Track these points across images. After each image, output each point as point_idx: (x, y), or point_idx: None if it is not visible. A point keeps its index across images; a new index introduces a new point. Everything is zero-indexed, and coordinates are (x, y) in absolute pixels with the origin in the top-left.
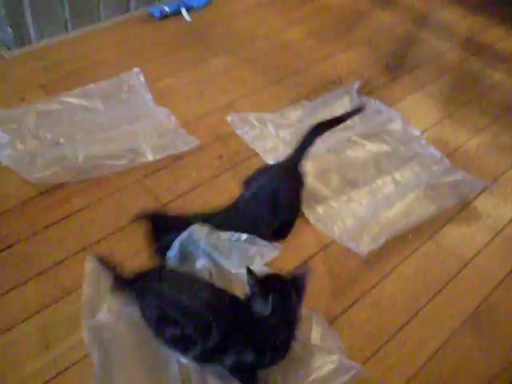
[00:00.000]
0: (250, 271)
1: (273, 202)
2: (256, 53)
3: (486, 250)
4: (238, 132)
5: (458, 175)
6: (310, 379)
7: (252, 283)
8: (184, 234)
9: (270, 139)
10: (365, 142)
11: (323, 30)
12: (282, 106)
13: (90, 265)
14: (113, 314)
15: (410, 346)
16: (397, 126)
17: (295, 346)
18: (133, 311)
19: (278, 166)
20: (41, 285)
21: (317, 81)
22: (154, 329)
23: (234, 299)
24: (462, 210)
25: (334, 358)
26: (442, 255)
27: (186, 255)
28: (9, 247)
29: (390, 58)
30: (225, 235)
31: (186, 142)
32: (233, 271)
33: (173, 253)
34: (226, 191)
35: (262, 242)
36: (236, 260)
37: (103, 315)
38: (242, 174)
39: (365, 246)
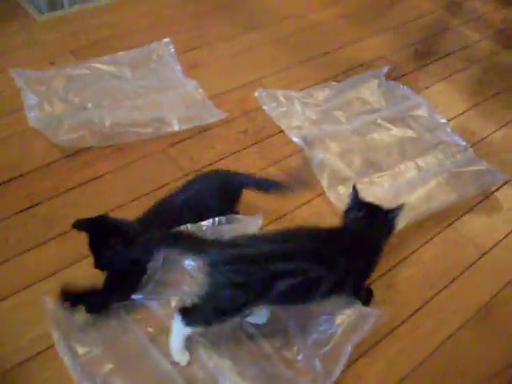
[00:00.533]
0: (354, 187)
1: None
2: (286, 31)
3: (504, 241)
4: (264, 107)
5: (482, 165)
6: (337, 335)
7: (352, 196)
8: None
9: (295, 117)
10: (390, 126)
11: (355, 12)
12: (309, 85)
13: (47, 305)
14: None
15: (423, 331)
16: (423, 112)
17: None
18: (113, 335)
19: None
20: (61, 246)
21: (345, 63)
22: (254, 296)
23: (316, 231)
24: (483, 200)
25: (352, 309)
26: (460, 243)
27: (169, 259)
28: (32, 207)
29: (419, 44)
30: (204, 224)
31: (213, 115)
32: None
33: (156, 259)
34: (249, 165)
35: (241, 217)
36: None
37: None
38: (266, 150)
39: None
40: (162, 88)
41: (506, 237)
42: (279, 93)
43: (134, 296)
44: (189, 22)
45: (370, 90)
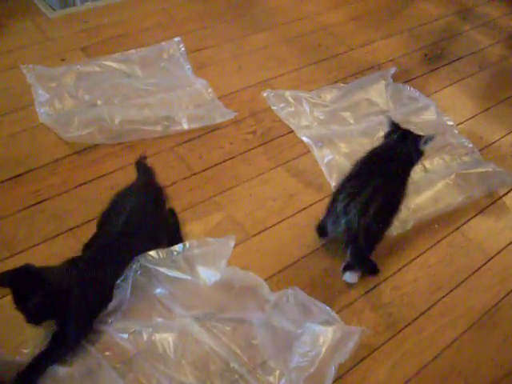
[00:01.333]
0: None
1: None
2: (296, 33)
3: (511, 247)
4: (273, 108)
5: (489, 167)
6: (320, 356)
7: (390, 122)
8: (133, 266)
9: (304, 117)
10: None
11: (365, 15)
12: (318, 87)
13: None
14: None
15: (428, 333)
16: (431, 114)
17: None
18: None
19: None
20: (69, 241)
21: (355, 65)
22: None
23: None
24: (490, 205)
25: (334, 328)
26: (467, 247)
27: (138, 287)
28: (40, 202)
29: (430, 48)
30: (174, 250)
31: (222, 114)
32: (209, 283)
33: (123, 289)
34: (257, 166)
35: (213, 240)
36: (203, 270)
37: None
38: (274, 151)
39: (392, 229)
40: (171, 87)
41: (511, 242)
42: (287, 93)
43: (103, 327)
44: (199, 21)
45: (377, 92)
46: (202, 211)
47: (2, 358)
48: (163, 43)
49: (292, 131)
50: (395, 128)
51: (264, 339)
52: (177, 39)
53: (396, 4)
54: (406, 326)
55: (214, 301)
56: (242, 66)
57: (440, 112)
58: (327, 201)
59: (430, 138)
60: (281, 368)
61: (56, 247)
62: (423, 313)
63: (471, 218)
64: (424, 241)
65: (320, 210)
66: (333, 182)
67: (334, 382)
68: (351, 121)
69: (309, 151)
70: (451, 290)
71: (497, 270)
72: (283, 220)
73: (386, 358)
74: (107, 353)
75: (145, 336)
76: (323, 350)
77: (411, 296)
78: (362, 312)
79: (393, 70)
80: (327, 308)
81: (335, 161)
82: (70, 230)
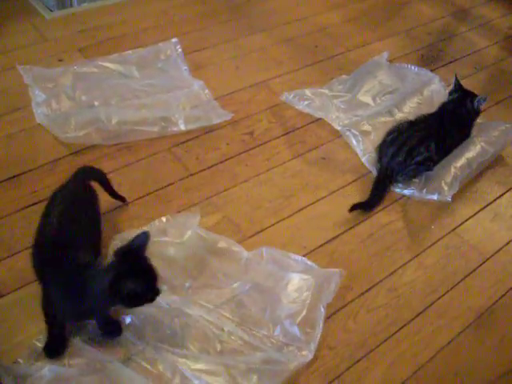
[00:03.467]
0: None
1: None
2: (293, 34)
3: (507, 247)
4: (298, 107)
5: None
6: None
7: (455, 82)
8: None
9: (330, 108)
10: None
11: (362, 16)
12: (317, 87)
13: None
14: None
15: (424, 335)
16: (436, 86)
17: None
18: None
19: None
20: None
21: (352, 66)
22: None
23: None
24: (486, 205)
25: (314, 273)
26: (463, 248)
27: None
28: (37, 203)
29: (426, 49)
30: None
31: (219, 115)
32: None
33: None
34: (254, 167)
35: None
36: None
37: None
38: (270, 152)
39: (447, 193)
40: (168, 88)
41: (508, 243)
42: (306, 91)
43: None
44: (196, 22)
45: (384, 73)
46: (199, 212)
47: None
48: (160, 44)
49: (288, 133)
50: (458, 87)
51: (250, 297)
52: (174, 40)
53: (392, 5)
54: (402, 327)
55: (187, 268)
56: (239, 67)
57: (444, 84)
58: (324, 201)
59: (484, 99)
60: (273, 320)
61: None
62: (419, 314)
63: (467, 220)
64: (420, 242)
65: (317, 210)
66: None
67: (331, 381)
68: (372, 103)
69: (306, 152)
70: (447, 291)
71: (493, 270)
72: (280, 221)
73: (382, 359)
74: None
75: (138, 320)
76: (309, 294)
77: (407, 297)
78: (358, 313)
79: (386, 54)
80: (302, 258)
81: (366, 145)
82: None
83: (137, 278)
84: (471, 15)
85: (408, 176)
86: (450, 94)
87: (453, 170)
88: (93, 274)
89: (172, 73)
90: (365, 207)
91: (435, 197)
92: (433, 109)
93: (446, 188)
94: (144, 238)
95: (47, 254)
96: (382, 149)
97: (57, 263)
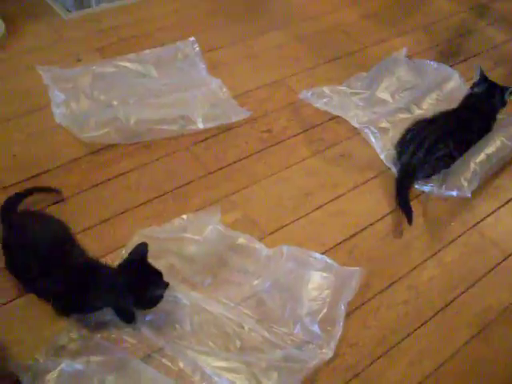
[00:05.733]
0: (479, 67)
1: None
2: (310, 31)
3: None
4: (317, 105)
5: None
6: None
7: (480, 73)
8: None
9: (348, 105)
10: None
11: (379, 12)
12: (335, 84)
13: None
14: None
15: (444, 332)
16: (456, 82)
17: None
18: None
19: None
20: (85, 241)
21: (369, 63)
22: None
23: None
24: (507, 202)
25: (334, 271)
26: (483, 246)
27: None
28: (57, 202)
29: (445, 45)
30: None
31: (237, 113)
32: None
33: None
34: (273, 165)
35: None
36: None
37: None
38: (288, 150)
39: (466, 189)
40: (187, 86)
41: None
42: (325, 88)
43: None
44: (213, 21)
45: (403, 70)
46: (219, 209)
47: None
48: (178, 43)
49: (306, 130)
50: (483, 79)
51: (270, 295)
52: (191, 39)
53: (410, 1)
54: (422, 325)
55: (207, 265)
56: (256, 65)
57: (464, 80)
58: (343, 199)
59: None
60: (293, 317)
61: None
62: (439, 311)
63: (488, 216)
64: (439, 239)
65: (336, 208)
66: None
67: (351, 379)
68: (390, 100)
69: (324, 150)
70: (467, 289)
71: None
72: (299, 218)
73: (402, 356)
74: (126, 344)
75: (158, 317)
76: (330, 292)
77: (427, 294)
78: (378, 310)
79: (405, 51)
80: (321, 256)
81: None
82: (87, 229)
83: (153, 281)
84: (490, 9)
85: (427, 173)
86: (474, 86)
87: (472, 165)
88: (105, 275)
89: (190, 72)
90: (409, 221)
91: (454, 193)
92: (452, 105)
93: (465, 184)
94: (143, 248)
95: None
96: (401, 146)
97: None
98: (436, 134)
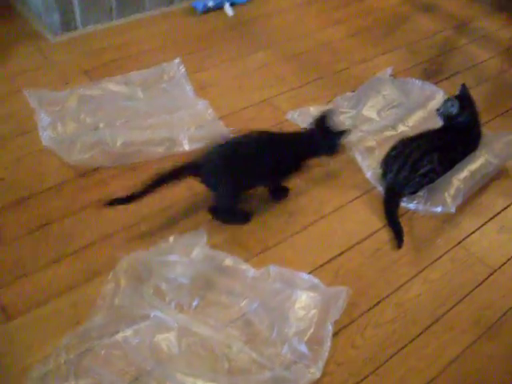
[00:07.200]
0: (463, 85)
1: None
2: (295, 50)
3: None
4: (303, 125)
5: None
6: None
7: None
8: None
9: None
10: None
11: (363, 31)
12: (320, 104)
13: None
14: None
15: (432, 349)
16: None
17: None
18: None
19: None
20: (74, 264)
21: (355, 82)
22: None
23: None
24: (492, 218)
25: (321, 291)
26: (469, 262)
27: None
28: (45, 225)
29: (428, 63)
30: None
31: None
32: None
33: None
34: None
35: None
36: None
37: None
38: None
39: (451, 204)
40: (173, 108)
41: None
42: (311, 109)
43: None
44: (199, 42)
45: (388, 88)
46: (205, 231)
47: None
48: (164, 64)
49: None
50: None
51: (258, 316)
52: (177, 60)
53: (394, 20)
54: (410, 342)
55: (194, 287)
56: (242, 86)
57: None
58: (329, 218)
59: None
60: (281, 337)
61: (61, 270)
62: (427, 328)
63: (473, 232)
64: (425, 256)
65: (322, 227)
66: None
67: None
68: (376, 118)
69: (310, 169)
70: (454, 305)
71: (500, 283)
72: (285, 238)
73: (390, 374)
74: (114, 368)
75: (147, 340)
76: (317, 311)
77: (414, 312)
78: (365, 329)
79: (389, 70)
80: (308, 275)
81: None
82: (75, 252)
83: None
84: (472, 28)
85: (413, 190)
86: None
87: (456, 182)
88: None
89: (176, 93)
90: (399, 243)
91: (439, 209)
92: (437, 123)
93: (449, 200)
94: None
95: None
96: (386, 164)
97: None
98: (421, 150)
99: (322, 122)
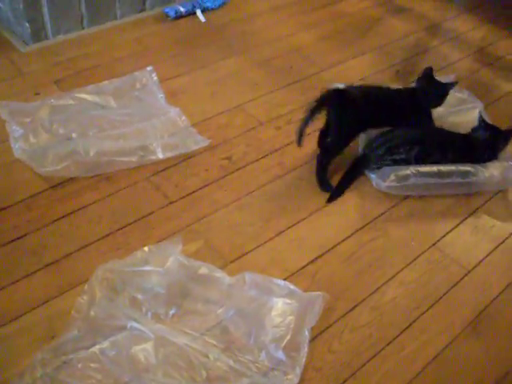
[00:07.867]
0: (480, 112)
1: None
2: (268, 56)
3: (488, 258)
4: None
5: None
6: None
7: (479, 118)
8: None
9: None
10: None
11: (336, 35)
12: (293, 109)
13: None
14: None
15: (409, 351)
16: None
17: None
18: None
19: None
20: (49, 276)
21: (328, 85)
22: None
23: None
24: (465, 219)
25: (297, 297)
26: (444, 263)
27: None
28: (19, 238)
29: (401, 65)
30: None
31: (196, 142)
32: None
33: None
34: (235, 191)
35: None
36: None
37: None
38: (249, 176)
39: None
40: (146, 116)
41: (489, 254)
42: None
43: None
44: (171, 49)
45: None
46: (180, 239)
47: None
48: (136, 73)
49: (266, 156)
50: (485, 125)
51: (234, 323)
52: (149, 68)
53: (365, 22)
54: (387, 345)
55: (170, 296)
56: (215, 92)
57: None
58: (304, 222)
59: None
60: (258, 345)
61: (36, 283)
62: (403, 330)
63: (447, 233)
64: (400, 258)
65: (298, 232)
66: None
67: None
68: None
69: (284, 174)
70: (430, 307)
71: (475, 283)
72: (261, 244)
73: (368, 378)
74: (91, 381)
75: (124, 351)
76: (293, 318)
77: (391, 315)
78: (342, 333)
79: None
80: (284, 282)
81: None
82: (49, 264)
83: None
84: (443, 29)
85: (378, 166)
86: (474, 130)
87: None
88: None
89: (148, 101)
90: (337, 193)
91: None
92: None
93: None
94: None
95: None
96: (368, 142)
97: None
98: (402, 139)
99: (428, 76)
